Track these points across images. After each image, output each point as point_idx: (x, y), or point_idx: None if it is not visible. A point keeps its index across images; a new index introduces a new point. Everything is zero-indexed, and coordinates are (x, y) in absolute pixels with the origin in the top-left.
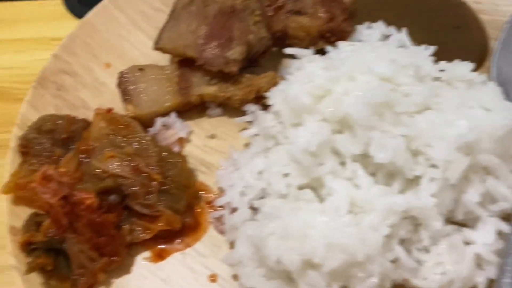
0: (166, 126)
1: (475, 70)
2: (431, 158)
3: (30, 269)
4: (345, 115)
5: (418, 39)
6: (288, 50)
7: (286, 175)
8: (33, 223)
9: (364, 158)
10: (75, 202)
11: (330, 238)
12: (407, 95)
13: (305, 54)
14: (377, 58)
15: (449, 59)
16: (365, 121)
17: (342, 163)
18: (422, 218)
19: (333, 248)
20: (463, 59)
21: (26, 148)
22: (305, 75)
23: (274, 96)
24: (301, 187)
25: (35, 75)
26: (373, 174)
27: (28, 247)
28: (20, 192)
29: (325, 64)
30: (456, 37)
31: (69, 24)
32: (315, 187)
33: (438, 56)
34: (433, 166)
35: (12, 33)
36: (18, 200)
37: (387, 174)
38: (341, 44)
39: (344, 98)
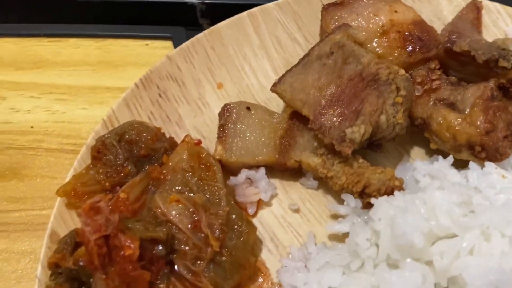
0: (250, 181)
1: None
2: None
3: None
4: (459, 277)
5: None
6: (419, 165)
7: None
8: (72, 242)
9: None
10: (115, 245)
11: None
12: None
13: (439, 176)
14: None
15: None
16: None
17: None
18: None
19: None
20: None
21: (99, 153)
22: (429, 209)
23: (380, 210)
24: None
25: None
26: None
27: (55, 268)
28: (74, 199)
29: (461, 199)
30: None
31: None
32: None
33: None
34: None
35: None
36: (70, 206)
37: None
38: (490, 167)
39: (467, 256)
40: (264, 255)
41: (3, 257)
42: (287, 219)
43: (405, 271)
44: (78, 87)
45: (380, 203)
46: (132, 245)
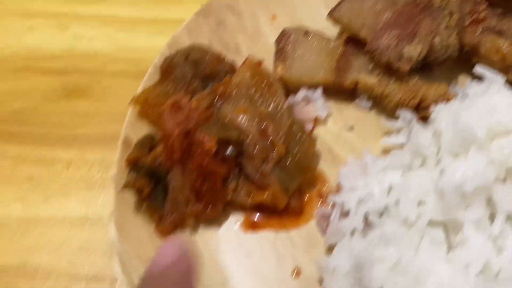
0: (307, 100)
1: None
2: None
3: (128, 185)
4: None
5: None
6: (478, 69)
7: (421, 203)
8: (147, 144)
9: None
10: (194, 141)
11: None
12: None
13: (496, 80)
14: None
15: None
16: None
17: (491, 217)
18: None
19: None
20: None
21: (168, 69)
22: (487, 106)
23: (441, 113)
24: (433, 224)
25: None
26: None
27: (134, 165)
28: (146, 108)
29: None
30: None
31: None
32: (449, 228)
33: None
34: None
35: None
36: (142, 115)
37: None
38: None
39: None
40: (322, 167)
41: (73, 166)
42: (342, 136)
43: (468, 158)
44: (140, 19)
45: (440, 107)
46: (211, 140)
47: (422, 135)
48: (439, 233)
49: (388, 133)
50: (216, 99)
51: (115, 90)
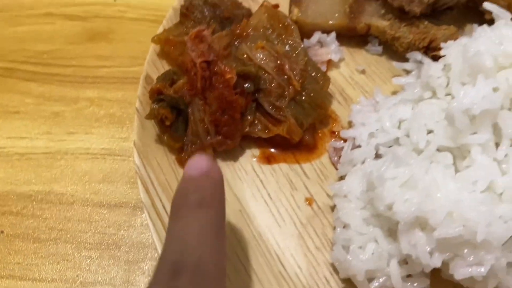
0: (321, 43)
1: None
2: None
3: (151, 115)
4: None
5: None
6: (488, 6)
7: (430, 131)
8: (169, 78)
9: None
10: (216, 71)
11: (456, 207)
12: None
13: (504, 15)
14: None
15: None
16: None
17: (497, 143)
18: None
19: (454, 218)
20: None
21: (188, 11)
22: (497, 36)
23: (450, 47)
24: (441, 149)
25: None
26: None
27: (156, 96)
28: (168, 46)
29: None
30: None
31: None
32: (457, 155)
33: None
34: None
35: None
36: (163, 54)
37: None
38: None
39: None
40: (334, 107)
41: (96, 104)
42: (354, 78)
43: (476, 85)
44: None
45: (450, 43)
46: (231, 71)
47: (433, 68)
48: (447, 158)
49: (398, 76)
50: (234, 39)
51: (135, 35)
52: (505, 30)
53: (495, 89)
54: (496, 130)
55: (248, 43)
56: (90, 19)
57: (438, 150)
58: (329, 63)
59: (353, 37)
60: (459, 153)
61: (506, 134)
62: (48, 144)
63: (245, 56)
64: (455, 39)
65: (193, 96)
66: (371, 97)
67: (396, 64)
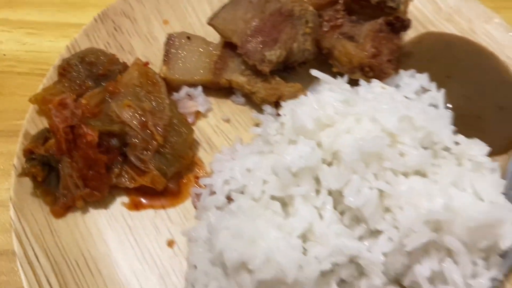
0: (189, 96)
1: (495, 154)
2: (397, 220)
3: (24, 173)
4: (339, 151)
5: (455, 104)
6: (314, 72)
7: (266, 182)
8: (43, 137)
9: (339, 196)
10: (79, 134)
11: (272, 254)
12: (402, 155)
13: (329, 82)
14: (391, 111)
15: (474, 135)
16: (351, 164)
17: (318, 191)
18: (366, 270)
19: (271, 263)
20: (488, 140)
21: (65, 71)
22: (319, 102)
23: (286, 108)
24: (273, 198)
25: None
26: (342, 213)
27: (29, 155)
28: (44, 106)
29: (343, 97)
30: (493, 117)
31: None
32: (286, 203)
33: (462, 128)
34: (396, 227)
35: None
36: (41, 112)
37: (353, 217)
38: (374, 83)
39: (344, 135)
40: (201, 154)
41: None
42: (220, 127)
43: (298, 145)
44: (45, 23)
45: (287, 103)
46: (93, 133)
47: (271, 126)
48: (276, 206)
49: (257, 124)
50: (106, 96)
51: (23, 89)
52: (326, 96)
53: (318, 144)
54: (318, 181)
55: (119, 101)
56: None
57: (272, 198)
58: (197, 114)
59: (220, 89)
60: (289, 201)
61: (324, 185)
62: None
63: (113, 113)
64: (299, 95)
65: (61, 155)
66: (232, 146)
67: (254, 115)
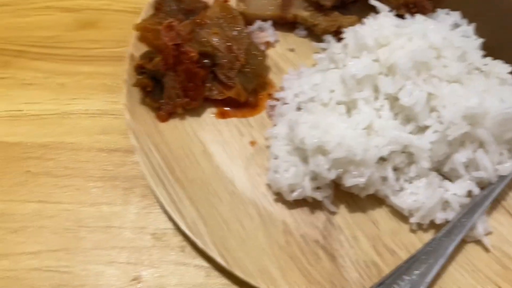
0: (261, 29)
1: None
2: (441, 116)
3: (136, 83)
4: (393, 63)
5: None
6: (373, 1)
7: (332, 91)
8: (148, 56)
9: (394, 99)
10: (183, 51)
11: (343, 139)
12: (445, 66)
13: (383, 8)
14: (436, 31)
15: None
16: (405, 71)
17: (376, 97)
18: (416, 156)
19: (342, 145)
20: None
21: (159, 5)
22: (377, 24)
23: (348, 32)
24: (339, 103)
25: None
26: (396, 114)
27: (139, 70)
28: (146, 32)
29: (397, 23)
30: None
31: None
32: (350, 106)
33: (490, 52)
34: (441, 122)
35: None
36: (142, 39)
37: (406, 116)
38: (418, 16)
39: (398, 50)
40: (271, 76)
41: (92, 76)
42: (286, 55)
43: (362, 58)
44: None
45: (349, 29)
46: (194, 51)
47: (335, 47)
48: (342, 109)
49: (317, 52)
50: (196, 27)
51: (119, 23)
52: (382, 19)
53: (375, 60)
54: (377, 89)
55: (206, 30)
56: (82, 11)
57: (337, 103)
58: (267, 44)
59: (285, 24)
60: (352, 105)
61: (382, 91)
62: (56, 107)
63: (204, 39)
64: (356, 25)
65: (166, 70)
66: (297, 69)
67: (315, 44)
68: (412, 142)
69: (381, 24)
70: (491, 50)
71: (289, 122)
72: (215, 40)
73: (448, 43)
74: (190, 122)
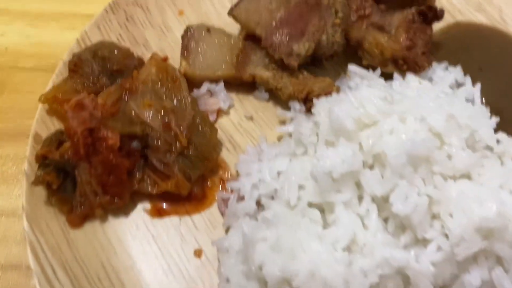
0: (210, 93)
1: None
2: (447, 228)
3: (37, 181)
4: (382, 153)
5: (489, 99)
6: (352, 68)
7: (301, 187)
8: (56, 139)
9: (382, 202)
10: (98, 137)
11: (316, 269)
12: (450, 157)
13: (368, 77)
14: (436, 109)
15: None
16: (398, 168)
17: (360, 198)
18: (414, 281)
19: (315, 279)
20: None
21: (76, 66)
22: (358, 100)
23: (320, 106)
24: (311, 205)
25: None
26: (385, 220)
27: (43, 160)
28: (55, 105)
29: (384, 94)
30: None
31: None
32: (324, 210)
33: (501, 126)
34: (446, 236)
35: None
36: (51, 112)
37: (398, 225)
38: (410, 77)
39: (387, 136)
40: (224, 154)
41: None
42: (242, 125)
43: (338, 147)
44: (49, 13)
45: (320, 101)
46: (114, 136)
47: (304, 125)
48: (315, 214)
49: (283, 122)
50: (123, 94)
51: (28, 85)
52: (366, 92)
53: (358, 148)
54: (360, 186)
55: (137, 100)
56: None
57: (308, 205)
58: (219, 112)
59: (241, 84)
60: (328, 207)
61: (367, 191)
62: None
63: (133, 114)
64: (330, 91)
65: (78, 160)
66: (257, 145)
67: (279, 113)
68: (409, 264)
69: (364, 98)
70: (502, 118)
71: (244, 238)
72: (147, 114)
73: (453, 124)
74: (113, 226)
